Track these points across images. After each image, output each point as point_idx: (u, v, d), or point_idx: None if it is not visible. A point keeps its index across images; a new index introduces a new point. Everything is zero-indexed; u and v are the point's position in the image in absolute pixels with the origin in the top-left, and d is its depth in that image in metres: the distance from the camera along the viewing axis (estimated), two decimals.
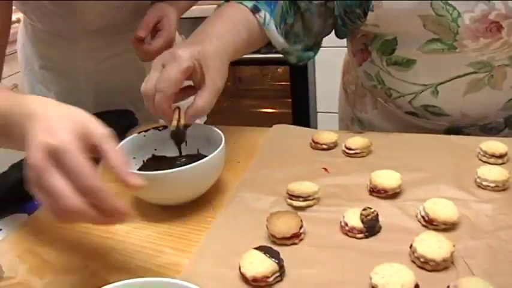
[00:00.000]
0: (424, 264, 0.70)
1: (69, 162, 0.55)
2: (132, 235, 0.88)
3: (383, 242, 0.77)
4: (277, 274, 0.70)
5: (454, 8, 0.95)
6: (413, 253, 0.72)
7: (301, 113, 3.43)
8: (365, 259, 0.72)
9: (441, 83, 1.08)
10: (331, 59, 2.96)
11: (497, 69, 1.03)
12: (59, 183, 0.55)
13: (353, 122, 1.27)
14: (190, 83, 0.94)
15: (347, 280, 0.70)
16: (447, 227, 0.78)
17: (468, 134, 1.13)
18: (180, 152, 0.95)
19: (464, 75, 1.06)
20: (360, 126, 1.31)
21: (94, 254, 0.84)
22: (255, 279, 0.69)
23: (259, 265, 0.70)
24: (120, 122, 1.29)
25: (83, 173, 0.56)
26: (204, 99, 0.82)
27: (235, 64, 3.13)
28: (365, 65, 1.19)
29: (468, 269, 0.70)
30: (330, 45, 3.04)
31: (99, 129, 0.61)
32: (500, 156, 0.97)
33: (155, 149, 1.05)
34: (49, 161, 0.55)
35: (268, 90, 3.74)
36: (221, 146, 0.91)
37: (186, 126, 0.85)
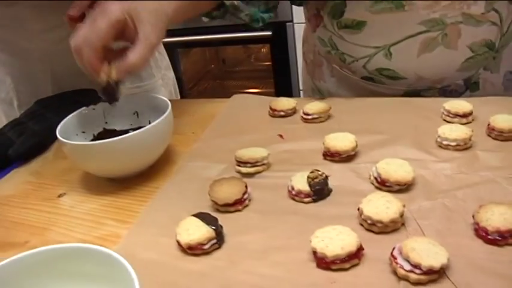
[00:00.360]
0: (371, 226, 0.65)
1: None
2: (76, 209, 0.84)
3: (332, 205, 0.72)
4: (214, 241, 0.65)
5: None
6: (360, 215, 0.66)
7: (284, 92, 3.37)
8: (310, 224, 0.67)
9: (394, 44, 1.03)
10: None
11: (450, 27, 0.98)
12: None
13: (314, 93, 1.28)
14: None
15: (287, 246, 0.65)
16: (401, 188, 0.73)
17: None
18: (112, 101, 0.88)
19: (417, 34, 1.00)
20: (320, 96, 1.26)
21: (35, 229, 0.80)
22: (190, 247, 0.64)
23: (195, 232, 0.65)
24: (84, 101, 1.24)
25: None
26: (136, 53, 0.76)
27: (219, 45, 3.04)
28: (319, 31, 1.14)
29: (420, 230, 0.65)
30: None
31: None
32: (465, 116, 0.92)
33: (106, 122, 1.00)
34: None
35: (252, 71, 3.69)
36: (166, 114, 0.86)
37: (118, 82, 0.78)
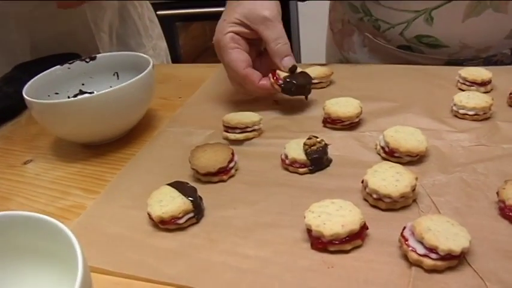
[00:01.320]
0: (377, 201, 0.55)
1: None
2: (41, 177, 0.74)
3: (331, 177, 0.62)
4: (191, 215, 0.54)
5: None
6: (364, 188, 0.56)
7: None
8: (305, 198, 0.57)
9: (436, 7, 0.90)
10: (314, 12, 2.78)
11: None
12: None
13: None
14: None
15: (277, 222, 0.54)
16: (412, 160, 0.62)
17: None
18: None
19: None
20: None
21: None
22: (162, 221, 0.54)
23: (169, 204, 0.55)
24: None
25: None
26: (273, 37, 0.77)
27: (218, 19, 2.86)
28: None
29: (434, 207, 0.55)
30: None
31: None
32: (483, 84, 0.81)
33: (82, 84, 0.89)
34: None
35: None
36: (146, 71, 0.75)
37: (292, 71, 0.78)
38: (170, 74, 1.05)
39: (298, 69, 0.78)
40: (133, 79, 0.73)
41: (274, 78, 0.77)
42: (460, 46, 0.94)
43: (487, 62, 0.96)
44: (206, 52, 3.60)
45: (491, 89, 0.82)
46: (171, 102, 0.91)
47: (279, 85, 0.69)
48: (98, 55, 0.88)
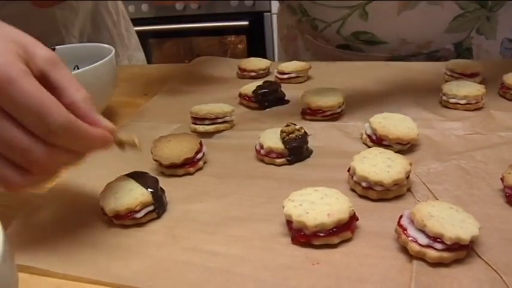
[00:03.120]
0: (367, 191, 0.47)
1: (21, 96, 0.37)
2: None
3: (313, 168, 0.54)
4: (150, 208, 0.46)
5: None
6: (351, 177, 0.48)
7: None
8: (283, 189, 0.49)
9: (369, 2, 0.84)
10: None
11: None
12: (13, 132, 0.38)
13: None
14: None
15: (251, 216, 0.47)
16: (403, 148, 0.55)
17: None
18: None
19: None
20: None
21: None
22: (117, 215, 0.45)
23: (125, 196, 0.46)
24: None
25: (44, 108, 0.38)
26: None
27: (194, 35, 2.80)
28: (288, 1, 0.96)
29: (432, 196, 0.47)
30: None
31: (45, 52, 0.42)
32: (472, 75, 0.75)
33: None
34: None
35: None
36: (105, 59, 0.67)
37: None
38: (136, 73, 0.98)
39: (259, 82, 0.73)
40: (92, 65, 0.65)
41: (246, 98, 0.72)
42: (398, 42, 0.88)
43: (429, 58, 0.91)
44: None
45: (480, 81, 0.76)
46: (136, 99, 0.83)
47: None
48: (57, 47, 0.79)
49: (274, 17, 2.80)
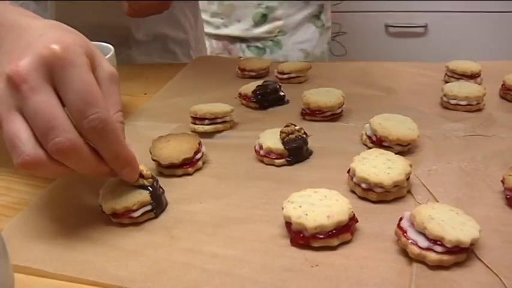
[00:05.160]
0: (367, 192, 0.47)
1: (76, 80, 0.40)
2: None
3: (312, 169, 0.54)
4: (148, 208, 0.45)
5: None
6: (351, 178, 0.48)
7: None
8: (283, 190, 0.49)
9: None
10: None
11: None
12: (54, 108, 0.40)
13: None
14: None
15: (250, 217, 0.46)
16: (403, 149, 0.54)
17: None
18: None
19: None
20: None
21: None
22: (115, 214, 0.45)
23: (123, 194, 0.45)
24: None
25: (92, 98, 0.40)
26: None
27: None
28: None
29: (433, 198, 0.47)
30: None
31: (109, 67, 0.46)
32: (473, 76, 0.75)
33: None
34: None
35: None
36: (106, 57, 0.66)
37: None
38: (137, 72, 0.97)
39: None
40: None
41: (246, 99, 0.72)
42: None
43: None
44: None
45: (481, 82, 0.76)
46: (136, 98, 0.83)
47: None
48: None
49: None
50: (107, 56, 0.66)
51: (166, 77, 0.91)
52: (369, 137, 0.57)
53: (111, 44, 0.72)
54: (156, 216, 0.48)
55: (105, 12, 1.04)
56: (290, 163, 0.55)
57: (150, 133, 0.65)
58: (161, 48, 1.13)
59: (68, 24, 0.48)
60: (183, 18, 1.13)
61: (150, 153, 0.56)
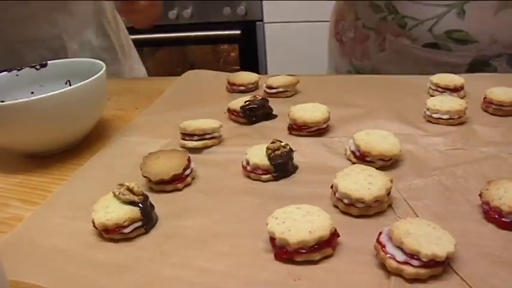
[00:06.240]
0: (348, 207, 0.49)
1: None
2: None
3: (297, 184, 0.56)
4: (138, 224, 0.47)
5: None
6: (334, 194, 0.50)
7: None
8: (268, 205, 0.50)
9: (468, 0, 0.84)
10: (282, 35, 2.76)
11: None
12: None
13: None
14: None
15: (237, 232, 0.48)
16: (385, 164, 0.56)
17: (495, 69, 0.91)
18: None
19: None
20: None
21: None
22: (106, 229, 0.47)
23: (115, 210, 0.47)
24: None
25: None
26: None
27: (187, 44, 2.82)
28: None
29: (412, 212, 0.49)
30: (280, 20, 2.84)
31: None
32: (456, 90, 0.77)
33: (32, 92, 0.81)
34: None
35: None
36: (97, 75, 0.68)
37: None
38: (128, 87, 0.99)
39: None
40: (84, 82, 0.66)
41: (235, 114, 0.73)
42: (489, 41, 0.89)
43: (510, 60, 0.91)
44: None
45: (464, 96, 0.78)
46: (127, 113, 0.85)
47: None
48: (49, 62, 0.81)
49: (267, 26, 2.82)
50: (99, 73, 0.68)
51: (157, 91, 0.93)
52: (353, 152, 0.59)
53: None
54: (147, 232, 0.50)
55: (37, 26, 1.06)
56: (276, 178, 0.57)
57: (141, 149, 0.66)
58: (91, 56, 1.16)
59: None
60: (106, 25, 1.16)
61: (141, 169, 0.57)
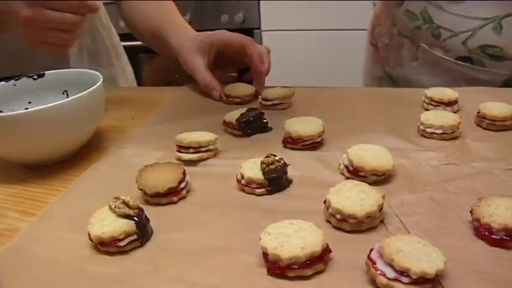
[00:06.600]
0: (341, 222, 0.49)
1: None
2: None
3: (290, 198, 0.57)
4: (134, 237, 0.48)
5: None
6: (327, 209, 0.50)
7: None
8: (262, 219, 0.51)
9: (508, 15, 0.83)
10: (279, 43, 2.77)
11: None
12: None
13: (382, 82, 1.07)
14: None
15: (230, 246, 0.49)
16: (378, 179, 0.57)
17: None
18: None
19: None
20: (392, 85, 1.06)
21: None
22: (102, 242, 0.47)
23: (111, 223, 0.48)
24: None
25: None
26: None
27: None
28: (408, 3, 0.95)
29: (404, 228, 0.49)
30: (278, 28, 2.85)
31: None
32: (450, 104, 0.78)
33: (29, 102, 0.82)
34: None
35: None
36: (95, 86, 0.69)
37: None
38: (124, 96, 1.00)
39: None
40: (81, 94, 0.67)
41: (230, 126, 0.75)
42: None
43: None
44: (169, 85, 3.53)
45: (458, 109, 0.79)
46: (124, 123, 0.86)
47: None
48: (46, 72, 0.82)
49: (264, 34, 2.83)
50: (96, 85, 0.69)
51: (153, 101, 0.94)
52: (346, 167, 0.60)
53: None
54: (142, 245, 0.50)
55: None
56: (270, 192, 0.58)
57: (137, 160, 0.67)
58: (88, 60, 1.17)
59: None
60: (101, 29, 1.17)
61: (137, 182, 0.58)
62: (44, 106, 0.65)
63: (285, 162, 0.59)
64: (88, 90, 0.69)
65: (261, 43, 2.74)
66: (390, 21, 1.05)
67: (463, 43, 0.90)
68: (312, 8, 2.43)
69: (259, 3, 2.52)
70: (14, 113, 0.63)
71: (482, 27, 0.86)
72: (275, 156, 0.59)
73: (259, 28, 2.80)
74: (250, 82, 0.90)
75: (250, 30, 2.81)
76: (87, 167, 0.70)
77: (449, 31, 0.90)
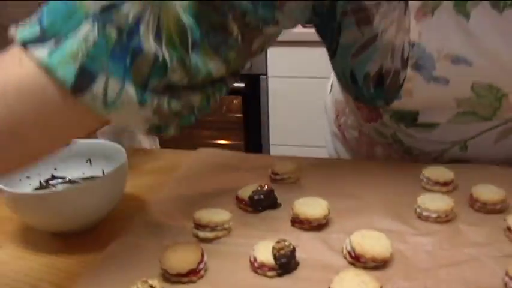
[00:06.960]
0: None
1: None
2: (10, 267, 0.74)
3: (299, 281, 0.63)
4: None
5: (499, 90, 0.81)
6: None
7: (254, 145, 3.31)
8: None
9: (471, 138, 0.93)
10: (284, 89, 2.86)
11: None
12: None
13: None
14: None
15: None
16: (377, 265, 0.64)
17: None
18: None
19: (497, 126, 0.91)
20: None
21: None
22: None
23: None
24: None
25: None
26: None
27: None
28: (375, 125, 1.01)
29: None
30: (283, 74, 2.94)
31: None
32: (445, 184, 0.85)
33: (55, 169, 0.89)
34: None
35: (223, 122, 3.63)
36: (119, 165, 0.76)
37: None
38: (141, 159, 1.07)
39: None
40: (108, 172, 0.75)
41: (243, 203, 0.81)
42: (488, 162, 0.96)
43: None
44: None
45: (454, 189, 0.85)
46: (143, 190, 0.93)
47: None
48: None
49: (270, 80, 2.91)
50: (121, 162, 0.77)
51: (170, 166, 1.02)
52: (349, 252, 0.66)
53: None
54: None
55: None
56: (280, 275, 0.64)
57: (158, 235, 0.75)
58: None
59: None
60: None
61: (160, 262, 0.65)
62: (75, 186, 0.72)
63: (293, 247, 0.66)
64: (114, 167, 0.76)
65: (266, 89, 2.84)
66: (358, 122, 1.08)
67: (434, 159, 0.99)
68: (316, 56, 2.51)
69: (266, 51, 2.62)
70: (50, 190, 0.71)
71: (451, 148, 0.96)
72: (285, 241, 0.66)
73: (265, 74, 2.89)
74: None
75: (256, 76, 2.91)
76: (110, 236, 0.77)
77: (419, 150, 0.99)
